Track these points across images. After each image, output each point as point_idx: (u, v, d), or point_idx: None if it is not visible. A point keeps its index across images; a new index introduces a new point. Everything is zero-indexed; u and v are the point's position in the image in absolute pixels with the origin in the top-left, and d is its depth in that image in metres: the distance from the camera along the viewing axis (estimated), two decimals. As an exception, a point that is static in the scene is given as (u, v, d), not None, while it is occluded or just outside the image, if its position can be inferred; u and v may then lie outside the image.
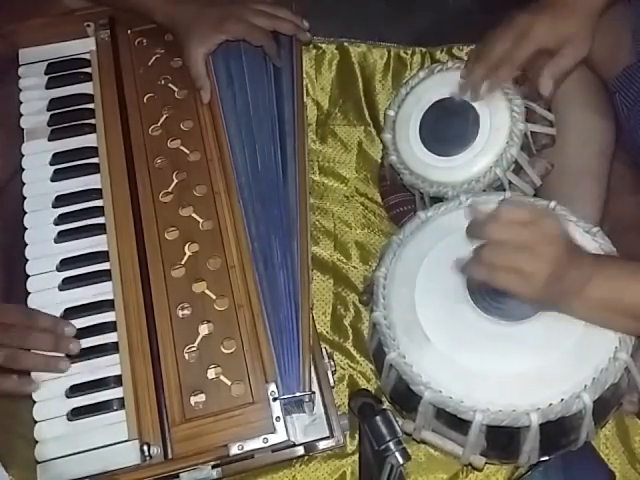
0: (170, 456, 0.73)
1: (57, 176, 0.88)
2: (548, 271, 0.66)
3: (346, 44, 1.18)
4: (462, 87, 0.87)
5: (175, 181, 0.87)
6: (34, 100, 0.93)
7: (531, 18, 0.80)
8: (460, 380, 0.72)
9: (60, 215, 0.86)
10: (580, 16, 0.79)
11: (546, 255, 0.66)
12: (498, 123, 0.86)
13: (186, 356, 0.77)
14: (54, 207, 0.86)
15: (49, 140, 0.90)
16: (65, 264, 0.83)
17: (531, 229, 0.66)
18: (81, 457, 0.74)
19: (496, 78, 0.84)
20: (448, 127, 0.88)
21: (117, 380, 0.77)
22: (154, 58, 0.96)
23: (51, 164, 0.89)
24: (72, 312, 0.80)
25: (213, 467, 0.75)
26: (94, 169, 0.88)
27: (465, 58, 0.95)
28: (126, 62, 0.95)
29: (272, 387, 0.75)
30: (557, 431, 0.73)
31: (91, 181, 0.88)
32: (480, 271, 0.69)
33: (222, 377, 0.76)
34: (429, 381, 0.73)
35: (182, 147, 0.89)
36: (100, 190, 0.87)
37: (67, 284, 0.82)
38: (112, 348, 0.78)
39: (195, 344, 0.77)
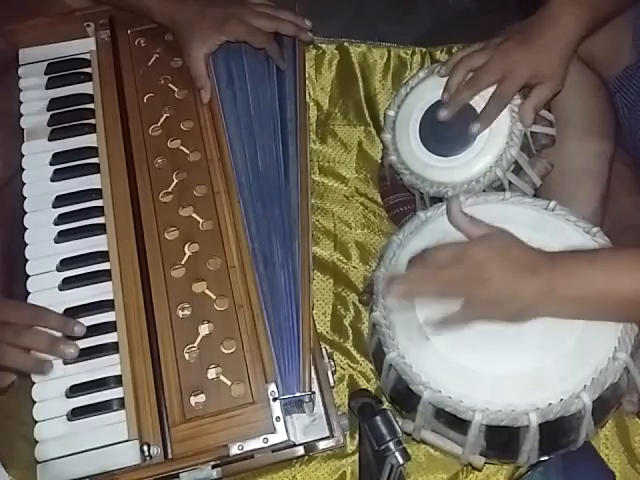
0: (170, 456, 0.73)
1: (57, 176, 0.88)
2: (502, 288, 0.68)
3: (346, 44, 1.18)
4: (449, 106, 0.87)
5: (175, 181, 0.87)
6: (34, 100, 0.93)
7: (516, 55, 0.82)
8: (459, 380, 0.72)
9: (60, 215, 0.86)
10: (558, 57, 0.82)
11: (489, 276, 0.68)
12: (498, 123, 0.86)
13: (186, 356, 0.77)
14: (54, 207, 0.86)
15: (49, 140, 0.90)
16: (65, 264, 0.83)
17: (463, 262, 0.69)
18: (81, 457, 0.74)
19: (488, 115, 0.85)
20: (448, 127, 0.88)
21: (117, 380, 0.77)
22: (154, 58, 0.96)
23: (51, 164, 0.89)
24: (72, 312, 0.80)
25: (213, 467, 0.75)
26: (94, 169, 0.88)
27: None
28: (126, 62, 0.95)
29: (272, 387, 0.75)
30: (556, 431, 0.73)
31: (91, 181, 0.88)
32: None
33: (222, 377, 0.76)
34: (428, 381, 0.73)
35: (182, 147, 0.89)
36: (100, 190, 0.87)
37: (67, 284, 0.82)
38: (112, 348, 0.78)
39: (195, 344, 0.77)
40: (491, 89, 0.85)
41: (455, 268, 0.69)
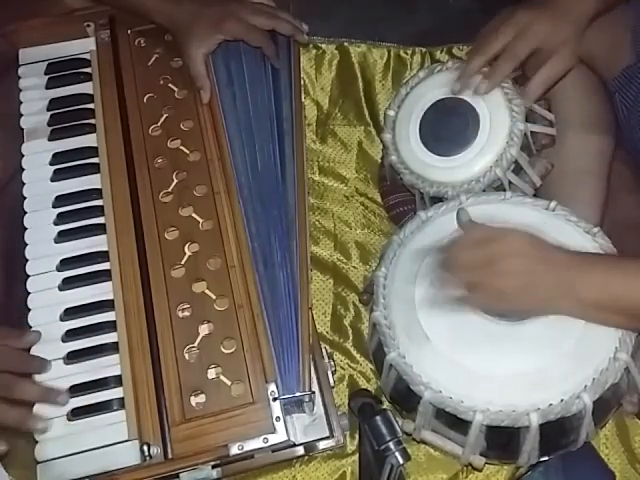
0: (170, 456, 0.73)
1: (57, 176, 0.88)
2: (517, 284, 0.68)
3: (346, 44, 1.18)
4: (460, 79, 0.87)
5: (175, 181, 0.87)
6: (34, 100, 0.93)
7: (532, 16, 0.82)
8: (460, 380, 0.72)
9: (60, 215, 0.86)
10: (574, 25, 0.81)
11: (511, 269, 0.68)
12: (498, 123, 0.86)
13: (186, 356, 0.77)
14: (54, 207, 0.86)
15: (49, 140, 0.90)
16: (65, 264, 0.83)
17: (491, 246, 0.69)
18: (81, 457, 0.74)
19: (497, 71, 0.84)
20: (448, 127, 0.88)
21: (117, 380, 0.77)
22: (154, 58, 0.96)
23: (51, 164, 0.89)
24: (72, 312, 0.80)
25: (213, 467, 0.75)
26: (94, 169, 0.88)
27: (465, 58, 0.95)
28: (126, 62, 0.95)
29: (272, 387, 0.75)
30: (557, 431, 0.73)
31: (91, 181, 0.88)
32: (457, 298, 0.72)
33: (222, 377, 0.76)
34: (429, 381, 0.73)
35: (182, 147, 0.89)
36: (100, 190, 0.87)
37: (67, 284, 0.82)
38: (112, 348, 0.78)
39: (195, 344, 0.77)
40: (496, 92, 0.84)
41: (479, 254, 0.69)
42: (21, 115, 0.92)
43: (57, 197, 0.87)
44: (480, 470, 0.85)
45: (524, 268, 0.68)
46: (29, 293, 0.82)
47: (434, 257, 0.74)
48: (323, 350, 0.82)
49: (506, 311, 0.72)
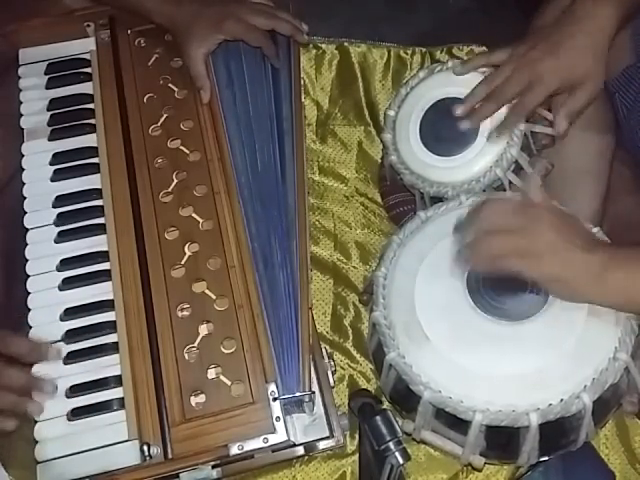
0: (170, 456, 0.73)
1: (57, 176, 0.88)
2: (552, 246, 0.66)
3: (346, 44, 1.18)
4: (470, 116, 0.86)
5: (175, 181, 0.87)
6: (34, 100, 0.93)
7: (543, 64, 0.80)
8: (460, 380, 0.72)
9: (60, 215, 0.86)
10: (590, 60, 0.79)
11: (544, 231, 0.67)
12: (498, 123, 0.85)
13: (186, 356, 0.77)
14: (54, 207, 0.86)
15: (49, 140, 0.91)
16: (65, 264, 0.83)
17: (522, 213, 0.68)
18: (81, 457, 0.74)
19: (507, 124, 0.84)
20: (448, 127, 0.88)
21: (117, 380, 0.77)
22: (154, 58, 0.96)
23: (51, 164, 0.89)
24: (72, 312, 0.80)
25: (213, 467, 0.75)
26: (94, 169, 0.88)
27: (465, 58, 0.95)
28: (126, 62, 0.95)
29: (272, 387, 0.75)
30: (557, 431, 0.73)
31: (91, 181, 0.88)
32: (483, 263, 0.70)
33: (222, 377, 0.76)
34: (429, 381, 0.73)
35: (182, 147, 0.89)
36: (100, 190, 0.87)
37: (67, 284, 0.82)
38: (112, 348, 0.78)
39: (195, 344, 0.77)
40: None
41: (516, 214, 0.68)
42: (21, 115, 0.92)
43: (57, 197, 0.87)
44: (480, 470, 0.85)
45: (559, 237, 0.67)
46: (29, 293, 0.82)
47: (467, 217, 0.72)
48: (323, 350, 0.82)
49: (538, 282, 0.69)
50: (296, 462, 0.88)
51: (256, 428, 0.74)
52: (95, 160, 0.89)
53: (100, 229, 0.85)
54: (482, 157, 0.86)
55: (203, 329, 0.78)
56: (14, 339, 0.75)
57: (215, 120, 0.90)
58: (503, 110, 0.85)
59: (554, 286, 0.70)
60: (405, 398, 0.77)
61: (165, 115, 0.91)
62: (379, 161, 1.10)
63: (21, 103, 0.93)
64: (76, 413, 0.76)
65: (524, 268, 0.68)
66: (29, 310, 0.81)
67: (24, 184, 0.88)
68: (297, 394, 0.75)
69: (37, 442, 0.75)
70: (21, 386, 0.75)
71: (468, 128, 0.86)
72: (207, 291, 0.80)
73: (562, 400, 0.69)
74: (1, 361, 0.74)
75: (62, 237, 0.85)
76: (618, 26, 0.80)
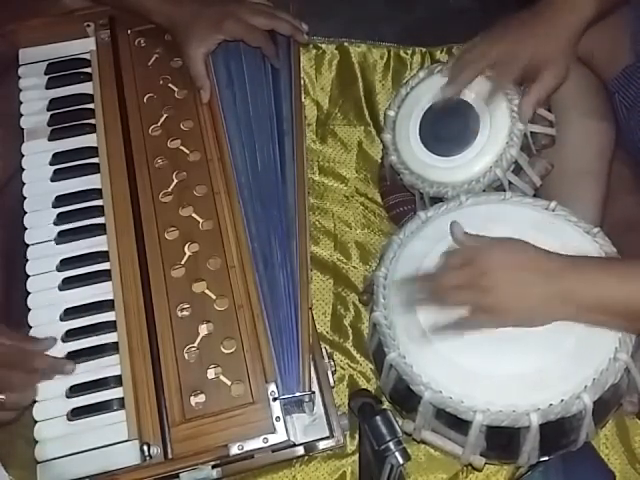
0: (170, 456, 0.73)
1: (57, 176, 0.88)
2: (507, 296, 0.68)
3: (346, 44, 1.18)
4: (445, 88, 0.88)
5: (175, 181, 0.87)
6: (34, 100, 0.93)
7: (518, 40, 0.82)
8: (460, 380, 0.72)
9: (60, 215, 0.86)
10: (560, 40, 0.81)
11: (496, 283, 0.69)
12: (498, 123, 0.86)
13: (186, 356, 0.77)
14: (54, 207, 0.86)
15: (49, 140, 0.90)
16: (65, 264, 0.83)
17: (474, 265, 0.70)
18: (81, 457, 0.74)
19: (493, 92, 0.85)
20: (448, 127, 0.88)
21: (117, 380, 0.77)
22: (154, 58, 0.96)
23: (51, 164, 0.89)
24: (72, 312, 0.80)
25: (213, 467, 0.75)
26: (94, 169, 0.88)
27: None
28: (126, 62, 0.95)
29: (272, 387, 0.75)
30: (557, 431, 0.73)
31: (91, 181, 0.88)
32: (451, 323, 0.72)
33: (222, 377, 0.76)
34: (429, 381, 0.73)
35: (182, 147, 0.89)
36: (100, 190, 0.87)
37: (67, 284, 0.82)
38: (112, 348, 0.78)
39: (195, 344, 0.77)
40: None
41: (461, 275, 0.70)
42: (21, 115, 0.92)
43: (57, 197, 0.87)
44: (480, 470, 0.85)
45: (511, 278, 0.69)
46: (29, 293, 0.82)
47: (421, 286, 0.75)
48: (323, 350, 0.82)
49: (511, 326, 0.71)
50: (296, 462, 0.88)
51: (256, 428, 0.74)
52: (95, 160, 0.89)
53: (100, 229, 0.85)
54: (482, 157, 0.86)
55: (203, 329, 0.78)
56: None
57: (215, 120, 0.90)
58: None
59: (535, 323, 0.71)
60: (405, 398, 0.77)
61: (165, 115, 0.91)
62: (379, 161, 1.10)
63: (21, 103, 0.93)
64: (76, 413, 0.76)
65: (487, 324, 0.71)
66: (29, 310, 0.81)
67: (24, 184, 0.88)
68: (297, 394, 0.75)
69: (37, 442, 0.75)
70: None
71: (467, 128, 0.86)
72: (207, 291, 0.80)
73: (562, 400, 0.69)
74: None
75: (62, 237, 0.84)
76: (595, 18, 0.82)
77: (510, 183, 0.87)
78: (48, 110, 0.92)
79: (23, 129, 0.91)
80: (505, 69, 0.83)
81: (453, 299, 0.71)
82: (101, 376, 0.77)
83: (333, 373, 0.81)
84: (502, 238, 0.72)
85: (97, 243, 0.84)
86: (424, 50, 1.18)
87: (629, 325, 0.71)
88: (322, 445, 0.79)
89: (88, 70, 0.95)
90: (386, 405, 0.88)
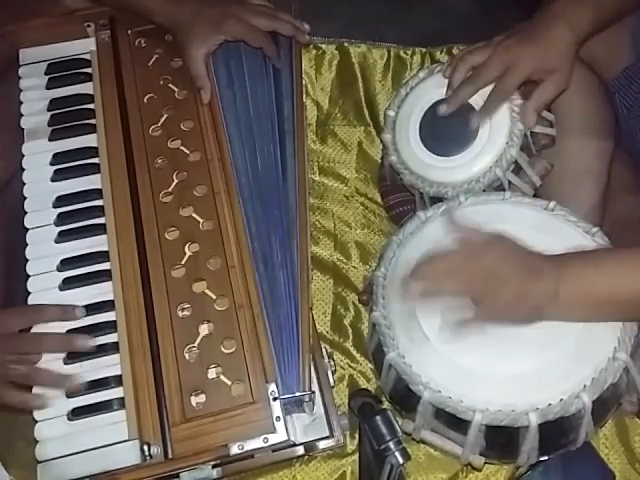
0: (170, 456, 0.73)
1: (57, 176, 0.88)
2: (515, 290, 0.68)
3: (346, 44, 1.18)
4: (449, 99, 0.87)
5: (175, 181, 0.87)
6: (34, 100, 0.93)
7: (519, 50, 0.82)
8: (459, 380, 0.72)
9: (60, 215, 0.86)
10: (561, 52, 0.82)
11: (506, 275, 0.68)
12: (498, 123, 0.86)
13: (186, 356, 0.77)
14: (54, 207, 0.86)
15: (49, 140, 0.90)
16: (65, 264, 0.83)
17: (486, 257, 0.69)
18: (81, 457, 0.74)
19: (489, 106, 0.85)
20: (448, 127, 0.88)
21: (117, 380, 0.77)
22: (154, 58, 0.96)
23: (51, 164, 0.89)
24: (72, 312, 0.80)
25: (213, 467, 0.75)
26: (94, 169, 0.88)
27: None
28: (126, 62, 0.95)
29: (272, 387, 0.75)
30: (556, 431, 0.73)
31: (91, 181, 0.88)
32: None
33: (222, 377, 0.76)
34: (428, 381, 0.73)
35: (182, 147, 0.89)
36: (100, 190, 0.87)
37: (67, 284, 0.82)
38: (112, 348, 0.78)
39: (195, 344, 0.77)
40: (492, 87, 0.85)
41: (474, 268, 0.69)
42: (21, 115, 0.92)
43: (57, 197, 0.87)
44: (480, 470, 0.85)
45: (517, 269, 0.68)
46: (29, 293, 0.82)
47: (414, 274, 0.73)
48: (323, 350, 0.82)
49: (520, 319, 0.71)
50: (296, 462, 0.88)
51: (256, 428, 0.74)
52: (95, 160, 0.89)
53: (100, 229, 0.85)
54: (482, 157, 0.86)
55: (203, 329, 0.78)
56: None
57: (215, 120, 0.90)
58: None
59: (526, 320, 0.71)
60: (405, 398, 0.77)
61: (165, 115, 0.91)
62: (379, 161, 1.10)
63: (21, 103, 0.93)
64: (76, 413, 0.76)
65: (504, 315, 0.70)
66: (29, 310, 0.81)
67: (24, 184, 0.88)
68: (297, 394, 0.75)
69: (37, 442, 0.75)
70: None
71: (467, 128, 0.86)
72: (207, 291, 0.80)
73: (562, 400, 0.69)
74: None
75: (62, 237, 0.85)
76: (592, 31, 0.83)
77: (510, 183, 0.87)
78: (48, 110, 0.92)
79: (23, 129, 0.91)
80: (508, 83, 0.83)
81: (470, 291, 0.70)
82: (101, 376, 0.77)
83: (333, 373, 0.81)
84: (493, 235, 0.72)
85: (97, 243, 0.84)
86: (424, 50, 1.19)
87: (623, 315, 0.71)
88: (322, 445, 0.79)
89: (88, 70, 0.95)
90: (386, 405, 0.88)
